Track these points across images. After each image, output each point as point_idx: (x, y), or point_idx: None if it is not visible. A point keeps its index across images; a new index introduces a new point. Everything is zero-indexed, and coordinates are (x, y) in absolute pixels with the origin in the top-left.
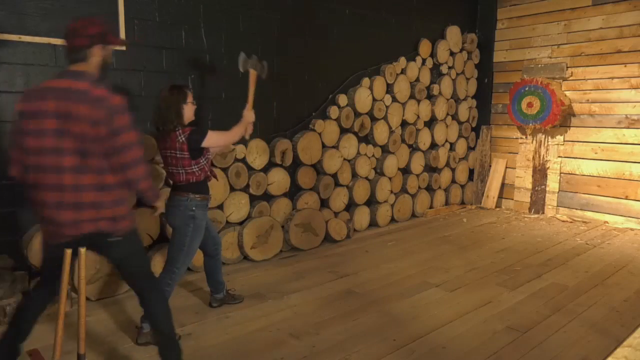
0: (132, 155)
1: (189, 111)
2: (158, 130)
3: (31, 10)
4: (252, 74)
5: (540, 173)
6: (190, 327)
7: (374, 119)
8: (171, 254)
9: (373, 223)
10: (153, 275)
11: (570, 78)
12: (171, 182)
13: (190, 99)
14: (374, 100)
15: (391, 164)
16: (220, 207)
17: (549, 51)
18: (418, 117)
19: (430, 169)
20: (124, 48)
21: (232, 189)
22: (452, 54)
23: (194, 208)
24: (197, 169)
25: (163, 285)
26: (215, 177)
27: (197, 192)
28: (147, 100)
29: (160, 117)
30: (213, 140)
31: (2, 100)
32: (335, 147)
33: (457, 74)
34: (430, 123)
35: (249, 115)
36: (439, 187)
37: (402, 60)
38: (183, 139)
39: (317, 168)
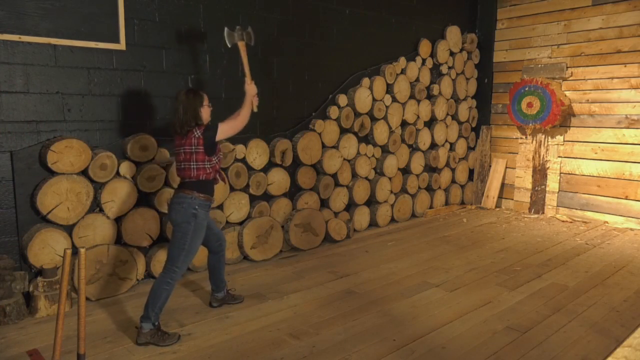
0: None
1: (205, 114)
2: (175, 133)
3: (31, 10)
4: (242, 46)
5: (540, 173)
6: (190, 327)
7: (374, 119)
8: (172, 253)
9: (373, 223)
10: None
11: (570, 78)
12: (180, 178)
13: (206, 102)
14: (374, 100)
15: (391, 164)
16: (220, 207)
17: (549, 51)
18: (418, 117)
19: (430, 169)
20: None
21: (232, 189)
22: (452, 54)
23: (196, 207)
24: (209, 166)
25: (163, 284)
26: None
27: (202, 191)
28: (147, 100)
29: (179, 121)
30: (225, 131)
31: (2, 100)
32: (335, 147)
33: (457, 74)
34: (430, 123)
35: (250, 88)
36: (439, 187)
37: (402, 60)
38: (199, 134)
39: (317, 168)
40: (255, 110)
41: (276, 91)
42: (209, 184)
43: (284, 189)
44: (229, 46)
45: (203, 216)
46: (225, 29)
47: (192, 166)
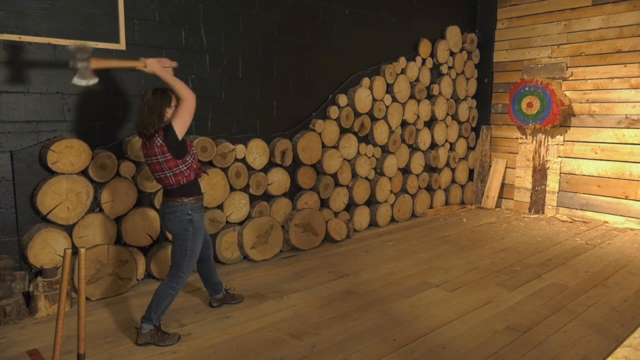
0: None
1: (170, 115)
2: (140, 134)
3: (31, 10)
4: (98, 62)
5: (540, 173)
6: (190, 327)
7: (374, 119)
8: (175, 259)
9: (373, 223)
10: None
11: (570, 78)
12: (162, 188)
13: (174, 102)
14: (374, 100)
15: (391, 164)
16: (220, 207)
17: (549, 51)
18: (418, 117)
19: (430, 169)
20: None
21: (232, 189)
22: (452, 54)
23: (190, 212)
24: (185, 168)
25: (168, 288)
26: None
27: (190, 194)
28: None
29: (143, 121)
30: (183, 123)
31: (2, 100)
32: (335, 147)
33: (457, 74)
34: (430, 123)
35: (151, 64)
36: (439, 187)
37: (402, 60)
38: (161, 141)
39: (317, 168)
40: (176, 65)
41: (276, 91)
42: (193, 184)
43: (284, 189)
44: (95, 79)
45: (199, 218)
46: (75, 80)
47: (167, 175)
